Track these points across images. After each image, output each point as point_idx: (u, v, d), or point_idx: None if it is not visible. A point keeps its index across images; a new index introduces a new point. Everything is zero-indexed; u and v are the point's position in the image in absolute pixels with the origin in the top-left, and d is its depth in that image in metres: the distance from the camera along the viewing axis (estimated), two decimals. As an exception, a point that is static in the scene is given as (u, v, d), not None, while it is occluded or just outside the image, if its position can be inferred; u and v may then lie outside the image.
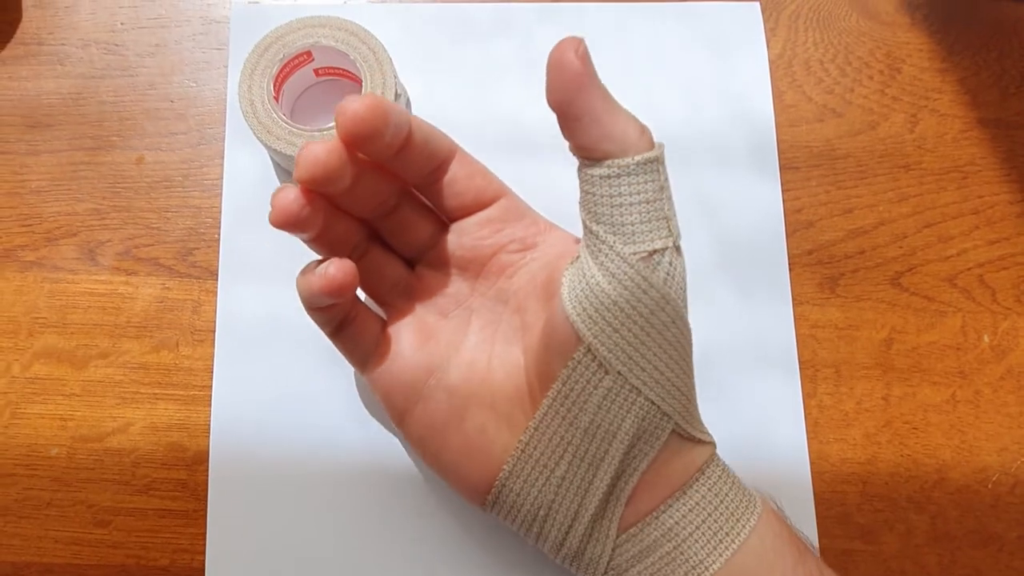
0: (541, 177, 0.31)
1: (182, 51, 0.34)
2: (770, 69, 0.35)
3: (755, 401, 0.31)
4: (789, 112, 0.34)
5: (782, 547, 0.23)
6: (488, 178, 0.25)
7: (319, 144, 0.21)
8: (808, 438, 0.31)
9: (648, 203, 0.21)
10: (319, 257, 0.24)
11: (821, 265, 0.33)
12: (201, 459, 0.30)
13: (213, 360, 0.31)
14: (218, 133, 0.33)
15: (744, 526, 0.23)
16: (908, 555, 0.30)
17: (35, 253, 0.32)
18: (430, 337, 0.25)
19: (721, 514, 0.23)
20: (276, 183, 0.33)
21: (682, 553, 0.23)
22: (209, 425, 0.30)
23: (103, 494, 0.30)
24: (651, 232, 0.21)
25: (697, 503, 0.23)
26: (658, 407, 0.22)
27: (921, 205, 0.34)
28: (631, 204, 0.21)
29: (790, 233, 0.33)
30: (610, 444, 0.22)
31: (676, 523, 0.23)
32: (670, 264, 0.22)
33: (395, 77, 0.31)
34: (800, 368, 0.32)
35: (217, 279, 0.32)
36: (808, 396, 0.31)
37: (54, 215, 0.32)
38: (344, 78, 0.33)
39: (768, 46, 0.35)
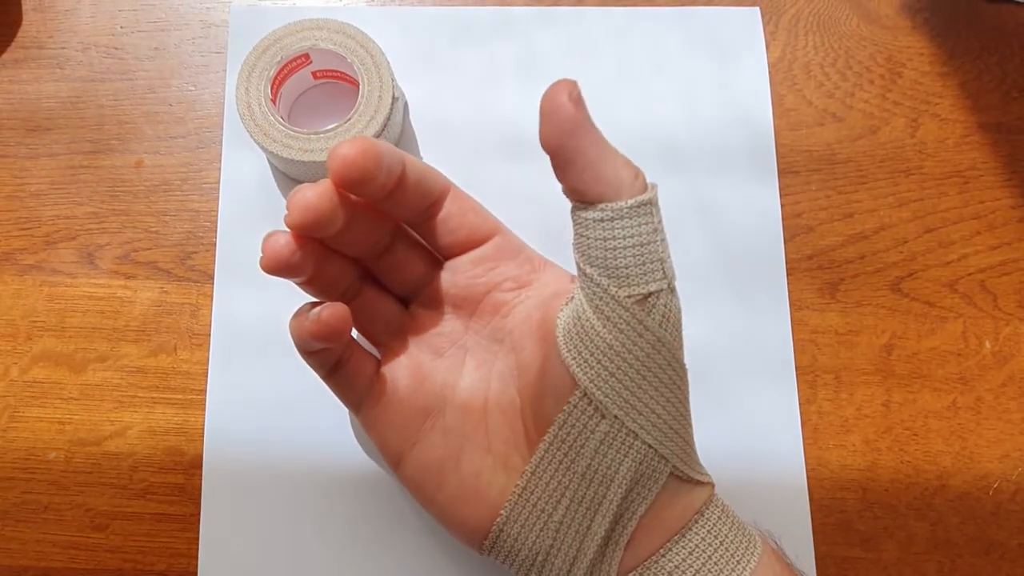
0: (539, 181, 0.30)
1: (181, 55, 0.34)
2: (770, 73, 0.34)
3: (751, 406, 0.31)
4: (789, 116, 0.34)
5: None
6: (482, 215, 0.25)
7: (310, 188, 0.21)
8: (807, 444, 0.31)
9: (642, 246, 0.21)
10: (311, 300, 0.24)
11: (821, 270, 0.33)
12: (198, 463, 0.30)
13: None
14: (217, 136, 0.33)
15: (744, 569, 0.23)
16: (908, 563, 0.30)
17: (34, 256, 0.32)
18: (425, 378, 0.25)
19: (721, 556, 0.23)
20: (273, 186, 0.33)
21: None
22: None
23: (100, 498, 0.30)
24: (646, 275, 0.21)
25: (696, 546, 0.23)
26: (655, 451, 0.22)
27: (922, 210, 0.33)
28: (625, 247, 0.21)
29: (790, 238, 0.33)
30: (608, 488, 0.22)
31: (676, 567, 0.22)
32: (665, 306, 0.22)
33: (393, 80, 0.31)
34: (800, 374, 0.32)
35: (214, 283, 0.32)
36: (808, 402, 0.31)
37: (53, 218, 0.33)
38: (342, 81, 0.33)
39: (768, 50, 0.35)
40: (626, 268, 0.21)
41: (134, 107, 0.34)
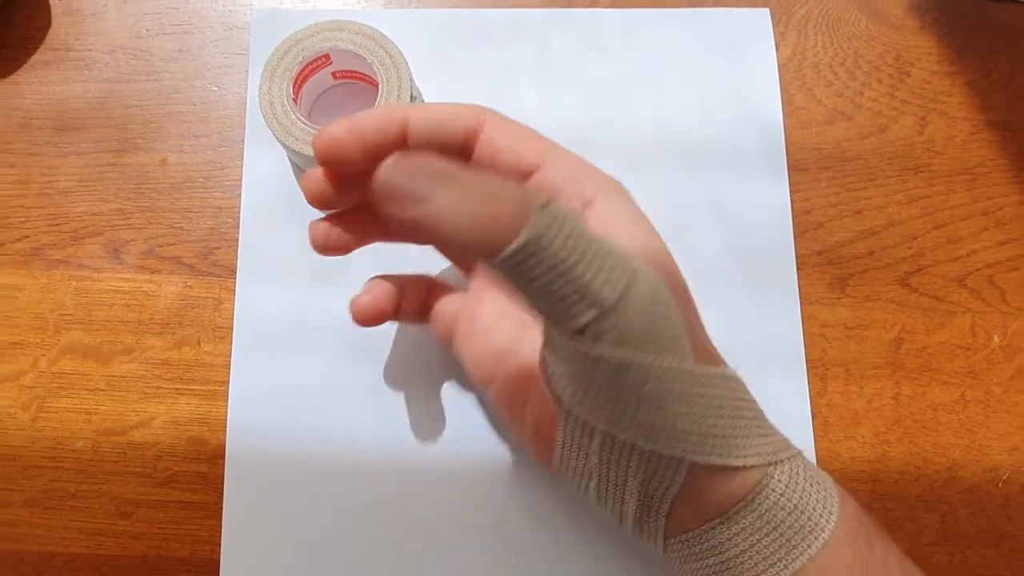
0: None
1: (204, 56, 0.35)
2: (780, 73, 0.35)
3: (762, 399, 0.31)
4: (799, 115, 0.35)
5: None
6: (519, 150, 0.23)
7: (314, 174, 0.23)
8: (818, 437, 0.31)
9: (545, 286, 0.19)
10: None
11: (831, 265, 0.33)
12: (221, 453, 0.31)
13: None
14: (239, 135, 0.34)
15: (799, 557, 0.21)
16: (918, 554, 0.30)
17: (62, 252, 0.33)
18: (503, 318, 0.26)
19: (773, 541, 0.21)
20: (294, 183, 0.34)
21: (733, 568, 0.22)
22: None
23: (126, 486, 0.31)
24: (567, 309, 0.19)
25: (743, 528, 0.22)
26: (660, 453, 0.21)
27: (930, 207, 0.34)
28: (532, 291, 0.19)
29: (800, 234, 0.33)
30: (624, 482, 0.22)
31: (721, 543, 0.22)
32: (616, 326, 0.19)
33: (411, 80, 0.31)
34: (810, 367, 0.32)
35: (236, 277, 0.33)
36: (818, 395, 0.32)
37: (80, 215, 0.33)
38: (361, 81, 0.34)
39: (778, 50, 0.35)
40: (548, 307, 0.19)
41: (159, 107, 0.35)
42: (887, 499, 0.31)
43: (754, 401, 0.23)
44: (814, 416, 0.31)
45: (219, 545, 0.30)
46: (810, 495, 0.22)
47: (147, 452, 0.31)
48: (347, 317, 0.32)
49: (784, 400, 0.32)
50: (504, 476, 0.31)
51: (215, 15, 0.36)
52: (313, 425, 0.31)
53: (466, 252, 0.20)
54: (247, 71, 0.35)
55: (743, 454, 0.22)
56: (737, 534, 0.22)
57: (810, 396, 0.32)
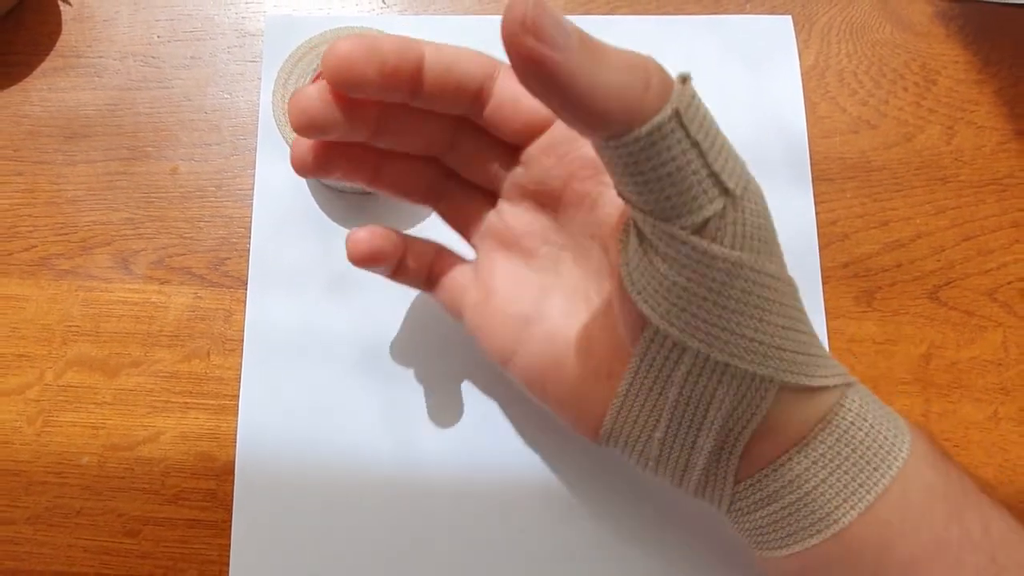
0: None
1: (216, 63, 0.35)
2: (803, 81, 0.34)
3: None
4: (823, 123, 0.34)
5: (931, 502, 0.21)
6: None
7: (306, 89, 0.20)
8: (845, 455, 0.30)
9: (680, 170, 0.17)
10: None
11: (857, 278, 0.32)
12: (230, 469, 0.30)
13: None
14: (251, 144, 0.34)
15: (880, 479, 0.20)
16: (951, 577, 0.29)
17: (70, 262, 0.32)
18: (521, 282, 0.24)
19: (853, 465, 0.20)
20: (307, 192, 0.33)
21: (807, 504, 0.21)
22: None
23: (133, 503, 0.30)
24: (696, 199, 0.18)
25: (822, 455, 0.21)
26: (754, 373, 0.20)
27: (959, 218, 0.33)
28: (660, 178, 0.17)
29: (825, 245, 0.33)
30: (705, 414, 0.21)
31: (798, 476, 0.21)
32: (735, 223, 0.18)
33: (428, 88, 0.31)
34: (837, 383, 0.31)
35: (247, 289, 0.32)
36: (845, 411, 0.31)
37: (89, 224, 0.33)
38: (376, 89, 0.33)
39: (801, 58, 0.35)
40: (668, 199, 0.18)
41: (170, 115, 0.34)
42: (918, 520, 0.30)
43: None
44: (842, 434, 0.30)
45: (228, 565, 0.29)
46: (882, 417, 0.21)
47: (155, 468, 0.30)
48: (361, 329, 0.31)
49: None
50: (519, 493, 0.30)
51: (228, 22, 0.35)
52: (326, 441, 0.30)
53: (591, 121, 0.17)
54: (260, 78, 0.34)
55: (824, 374, 0.21)
56: (815, 462, 0.21)
57: (837, 413, 0.31)
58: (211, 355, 0.31)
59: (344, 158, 0.23)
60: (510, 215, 0.24)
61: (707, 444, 0.21)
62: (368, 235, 0.24)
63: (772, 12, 0.35)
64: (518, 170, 0.23)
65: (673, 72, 0.18)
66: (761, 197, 0.19)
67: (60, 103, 0.34)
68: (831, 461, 0.21)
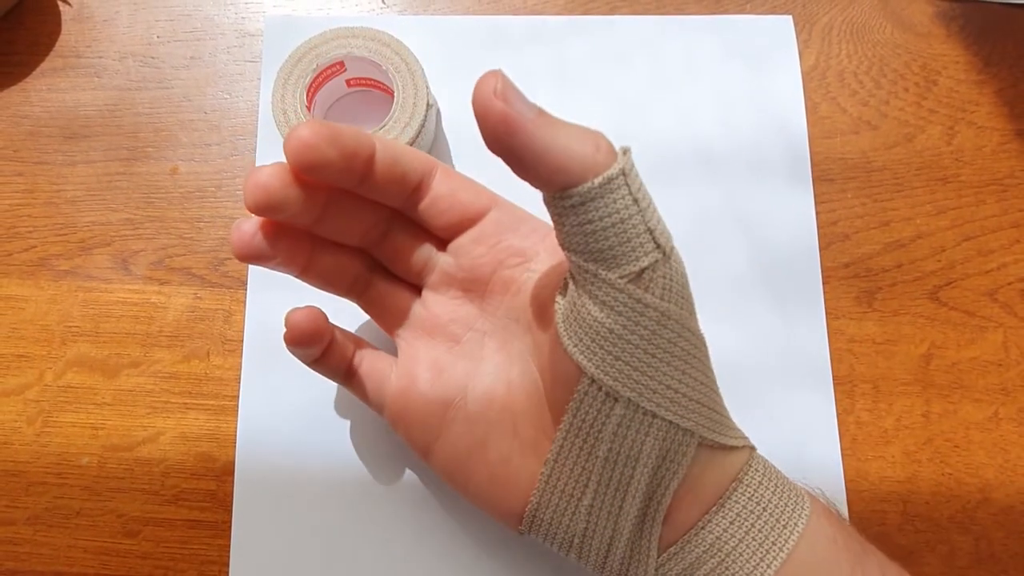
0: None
1: (216, 63, 0.35)
2: (804, 81, 0.34)
3: (788, 416, 0.31)
4: (823, 124, 0.34)
5: (836, 553, 0.22)
6: (474, 191, 0.24)
7: (264, 168, 0.21)
8: (846, 455, 0.30)
9: (623, 222, 0.20)
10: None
11: (858, 278, 0.32)
12: (230, 470, 0.30)
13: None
14: (251, 144, 0.34)
15: (791, 534, 0.22)
16: (951, 578, 0.29)
17: (69, 262, 0.32)
18: (444, 369, 0.25)
19: (765, 523, 0.22)
20: (307, 194, 0.33)
21: (728, 568, 0.22)
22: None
23: (132, 504, 0.30)
24: (634, 251, 0.20)
25: (738, 514, 0.22)
26: (678, 426, 0.21)
27: (960, 218, 0.33)
28: (605, 228, 0.20)
29: (825, 246, 0.32)
30: (634, 469, 0.22)
31: (717, 538, 0.22)
32: (665, 277, 0.20)
33: (427, 88, 0.31)
34: (837, 384, 0.31)
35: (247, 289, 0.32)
36: (846, 412, 0.31)
37: (89, 224, 0.33)
38: (376, 88, 0.33)
39: (801, 58, 0.35)
40: (611, 249, 0.20)
41: (170, 115, 0.34)
42: (918, 521, 0.30)
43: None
44: (841, 435, 0.30)
45: (228, 566, 0.29)
46: (782, 478, 0.23)
47: (154, 469, 0.30)
48: (360, 329, 0.31)
49: (810, 418, 0.31)
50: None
51: (227, 22, 0.35)
52: (326, 441, 0.30)
53: (550, 175, 0.19)
54: (259, 79, 0.34)
55: (735, 435, 0.23)
56: (732, 522, 0.22)
57: (837, 414, 0.31)
58: (211, 356, 0.31)
59: (285, 241, 0.23)
60: (435, 304, 0.25)
61: (633, 507, 0.22)
62: (307, 316, 0.25)
63: (773, 12, 0.35)
64: (447, 259, 0.25)
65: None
66: (682, 263, 0.21)
67: (60, 103, 0.34)
68: (745, 520, 0.22)
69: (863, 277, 0.32)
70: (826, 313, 0.32)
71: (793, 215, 0.33)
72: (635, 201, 0.20)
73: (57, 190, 0.33)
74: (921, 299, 0.32)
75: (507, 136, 0.19)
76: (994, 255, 0.32)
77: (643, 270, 0.20)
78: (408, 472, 0.30)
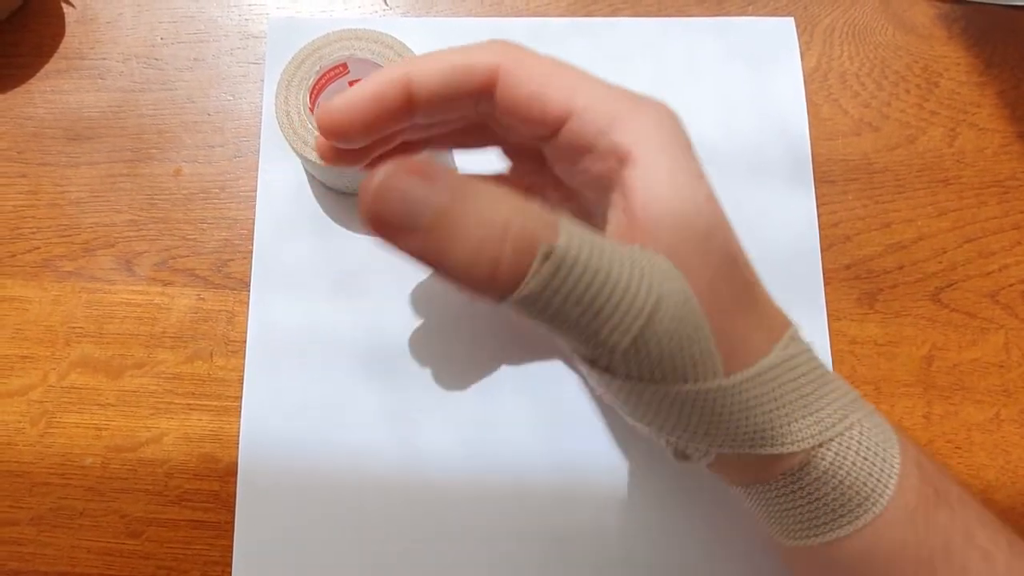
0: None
1: (220, 65, 0.35)
2: (805, 83, 0.34)
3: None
4: (825, 125, 0.34)
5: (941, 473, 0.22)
6: (541, 102, 0.21)
7: (334, 102, 0.21)
8: (847, 456, 0.30)
9: (555, 329, 0.19)
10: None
11: (859, 280, 0.32)
12: (233, 471, 0.30)
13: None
14: (254, 145, 0.34)
15: (837, 528, 0.21)
16: (953, 579, 0.29)
17: (73, 263, 0.32)
18: None
19: (816, 510, 0.21)
20: (309, 194, 0.33)
21: (774, 517, 0.23)
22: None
23: (136, 504, 0.30)
24: (577, 350, 0.20)
25: (783, 495, 0.22)
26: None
27: (961, 220, 0.33)
28: (553, 327, 0.19)
29: (827, 247, 0.33)
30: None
31: (765, 501, 0.23)
32: (633, 362, 0.19)
33: (431, 90, 0.31)
34: (839, 385, 0.31)
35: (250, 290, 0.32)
36: (847, 413, 0.31)
37: (92, 226, 0.33)
38: (379, 91, 0.33)
39: (803, 60, 0.35)
40: (571, 342, 0.20)
41: (173, 116, 0.34)
42: (920, 522, 0.30)
43: (814, 366, 0.22)
44: (844, 435, 0.31)
45: (231, 567, 0.29)
46: (858, 474, 0.21)
47: (158, 469, 0.30)
48: (364, 331, 0.31)
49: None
50: (523, 493, 0.30)
51: (231, 24, 0.35)
52: (329, 442, 0.30)
53: (463, 289, 0.18)
54: (263, 80, 0.35)
55: (777, 443, 0.21)
56: (777, 498, 0.22)
57: (839, 415, 0.31)
58: (214, 356, 0.31)
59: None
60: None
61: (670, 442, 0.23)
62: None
63: (774, 14, 0.35)
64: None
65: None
66: (682, 315, 0.19)
67: (64, 105, 0.34)
68: (792, 501, 0.22)
69: (864, 279, 0.32)
70: (827, 314, 0.32)
71: (794, 216, 0.33)
72: (556, 314, 0.18)
73: (61, 191, 0.33)
74: (922, 301, 0.32)
75: (393, 244, 0.17)
76: (995, 257, 0.32)
77: (603, 363, 0.19)
78: (411, 473, 0.30)
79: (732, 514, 0.29)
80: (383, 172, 0.17)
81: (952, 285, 0.32)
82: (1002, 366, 0.31)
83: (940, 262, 0.32)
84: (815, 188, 0.33)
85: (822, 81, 0.35)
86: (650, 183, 0.20)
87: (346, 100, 0.21)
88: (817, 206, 0.33)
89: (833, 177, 0.33)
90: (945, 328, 0.32)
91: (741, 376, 0.20)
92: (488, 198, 0.17)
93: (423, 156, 0.24)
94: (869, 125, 0.34)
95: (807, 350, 0.22)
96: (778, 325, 0.22)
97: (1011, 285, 0.32)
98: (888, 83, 0.34)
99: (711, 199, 0.21)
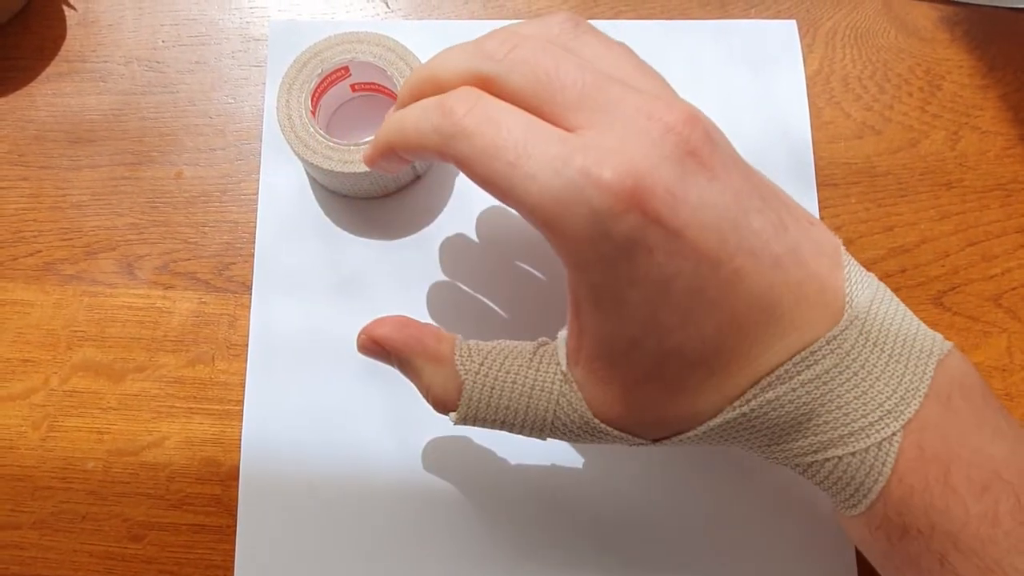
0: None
1: (221, 68, 0.35)
2: (807, 86, 0.34)
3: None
4: (827, 129, 0.34)
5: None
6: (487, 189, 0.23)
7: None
8: (850, 460, 0.30)
9: None
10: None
11: (862, 283, 0.32)
12: (235, 474, 0.30)
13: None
14: (256, 149, 0.34)
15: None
16: (955, 583, 0.29)
17: (75, 267, 0.32)
18: None
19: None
20: (311, 197, 0.33)
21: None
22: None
23: (138, 508, 0.30)
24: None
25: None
26: None
27: (964, 223, 0.33)
28: None
29: (829, 251, 0.32)
30: None
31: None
32: None
33: (433, 93, 0.31)
34: (841, 388, 0.31)
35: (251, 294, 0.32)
36: (849, 417, 0.31)
37: (94, 229, 0.33)
38: (380, 93, 0.33)
39: (805, 63, 0.35)
40: None
41: (175, 119, 0.34)
42: (923, 526, 0.30)
43: (884, 343, 0.23)
44: (846, 439, 0.30)
45: (233, 571, 0.29)
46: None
47: (159, 473, 0.30)
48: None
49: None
50: (524, 497, 0.30)
51: (232, 27, 0.35)
52: (330, 445, 0.30)
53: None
54: (264, 83, 0.34)
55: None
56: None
57: (842, 418, 0.31)
58: (216, 360, 0.31)
59: None
60: None
61: None
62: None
63: (777, 17, 0.35)
64: None
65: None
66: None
67: (65, 108, 0.34)
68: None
69: (867, 282, 0.32)
70: (830, 318, 0.32)
71: (797, 220, 0.33)
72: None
73: (62, 195, 0.33)
74: (925, 304, 0.32)
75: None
76: (998, 260, 0.32)
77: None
78: (413, 477, 0.30)
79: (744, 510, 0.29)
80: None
81: (955, 288, 0.32)
82: (1005, 370, 0.31)
83: (943, 265, 0.32)
84: (817, 191, 0.33)
85: (824, 84, 0.34)
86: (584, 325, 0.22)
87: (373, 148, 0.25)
88: (819, 209, 0.33)
89: (835, 180, 0.33)
90: (948, 332, 0.32)
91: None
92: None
93: None
94: (871, 128, 0.34)
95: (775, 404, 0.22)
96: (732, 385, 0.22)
97: (1014, 288, 0.32)
98: (890, 86, 0.34)
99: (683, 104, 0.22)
